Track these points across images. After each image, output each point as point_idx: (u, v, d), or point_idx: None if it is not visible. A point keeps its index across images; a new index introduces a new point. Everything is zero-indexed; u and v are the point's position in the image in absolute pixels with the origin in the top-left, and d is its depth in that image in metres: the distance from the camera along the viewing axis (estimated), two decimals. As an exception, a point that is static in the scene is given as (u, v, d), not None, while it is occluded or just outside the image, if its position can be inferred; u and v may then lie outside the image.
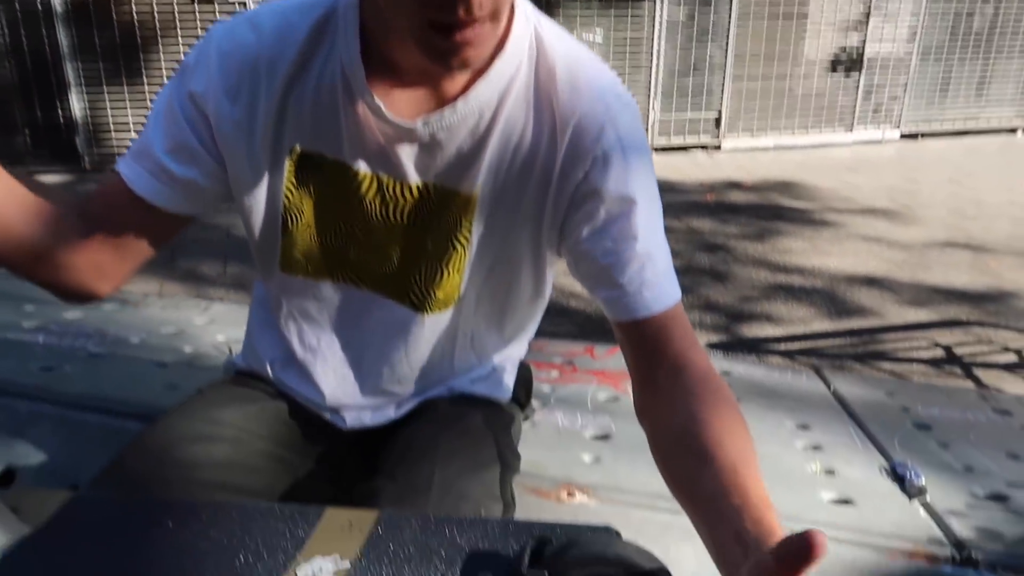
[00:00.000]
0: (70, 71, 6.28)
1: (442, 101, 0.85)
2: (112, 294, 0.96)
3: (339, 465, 1.05)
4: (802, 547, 0.53)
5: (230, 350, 1.52)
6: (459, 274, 0.94)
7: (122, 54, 6.35)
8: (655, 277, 0.86)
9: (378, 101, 0.83)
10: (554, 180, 0.87)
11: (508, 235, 0.92)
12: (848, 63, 8.05)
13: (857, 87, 8.09)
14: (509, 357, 1.11)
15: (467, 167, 0.87)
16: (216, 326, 1.77)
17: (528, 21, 0.86)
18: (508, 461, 0.96)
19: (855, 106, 8.14)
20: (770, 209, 4.85)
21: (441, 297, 0.95)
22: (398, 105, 0.84)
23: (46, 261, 0.85)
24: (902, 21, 8.08)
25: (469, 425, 0.99)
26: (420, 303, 0.96)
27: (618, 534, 0.71)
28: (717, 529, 0.67)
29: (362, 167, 0.88)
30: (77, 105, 6.36)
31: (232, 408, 1.00)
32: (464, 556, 0.71)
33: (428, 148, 0.86)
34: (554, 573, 0.65)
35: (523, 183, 0.88)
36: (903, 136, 8.36)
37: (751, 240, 4.38)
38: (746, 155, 7.28)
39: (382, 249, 0.93)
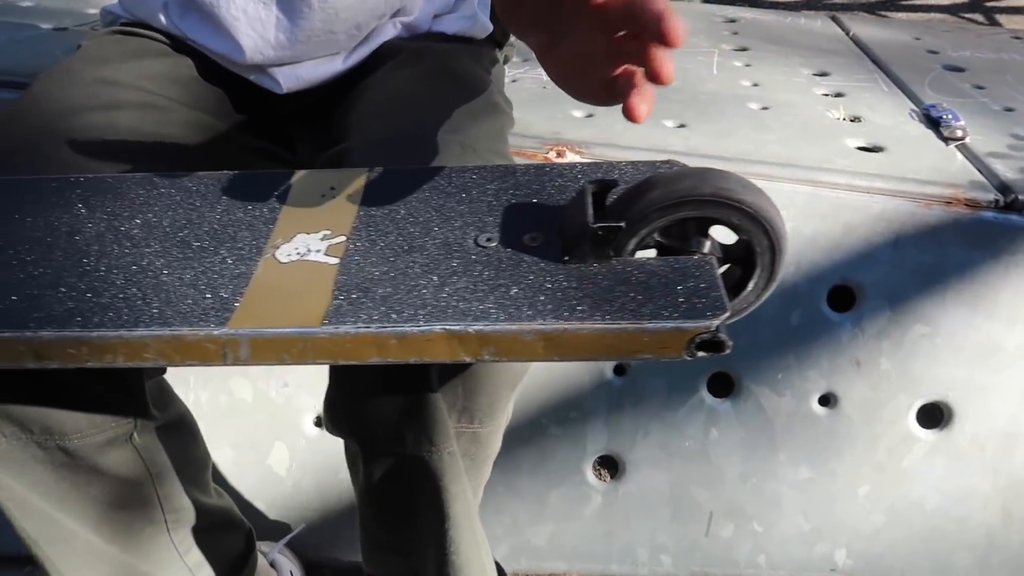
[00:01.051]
0: None
1: None
2: None
3: (285, 141, 0.85)
4: None
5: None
6: None
7: None
8: None
9: None
10: None
11: None
12: None
13: None
14: None
15: None
16: (127, -15, 1.47)
17: None
18: (504, 110, 0.77)
19: None
20: None
21: None
22: None
23: None
24: None
25: (453, 64, 0.78)
26: None
27: (683, 166, 0.54)
28: None
29: None
30: None
31: (131, 66, 0.77)
32: (500, 212, 0.53)
33: None
34: (633, 223, 0.48)
35: None
36: None
37: None
38: None
39: None
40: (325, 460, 1.04)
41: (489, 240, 0.51)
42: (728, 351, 0.45)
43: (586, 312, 0.46)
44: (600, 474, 1.05)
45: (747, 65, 1.34)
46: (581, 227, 0.48)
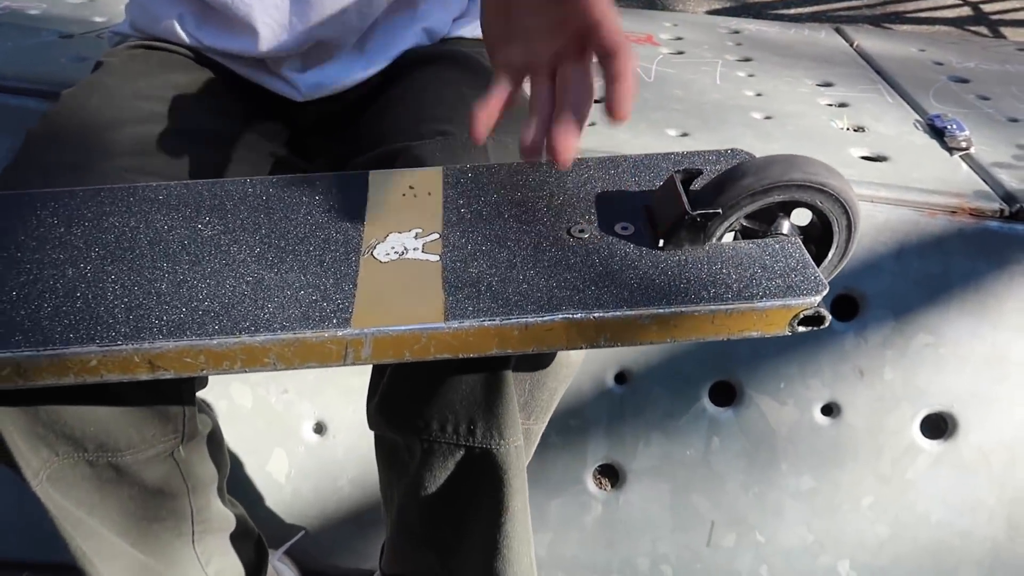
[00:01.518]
0: None
1: None
2: None
3: (302, 151, 0.84)
4: None
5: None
6: None
7: None
8: None
9: None
10: None
11: None
12: None
13: None
14: None
15: None
16: (134, -7, 1.48)
17: None
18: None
19: None
20: None
21: None
22: None
23: None
24: None
25: (485, 64, 0.78)
26: None
27: (749, 155, 0.57)
28: None
29: None
30: None
31: (161, 80, 0.77)
32: (584, 204, 0.55)
33: None
34: (727, 209, 0.51)
35: None
36: None
37: None
38: None
39: None
40: (324, 467, 1.03)
41: (582, 231, 0.53)
42: (827, 324, 0.48)
43: (694, 295, 0.48)
44: (601, 483, 1.04)
45: (751, 75, 1.34)
46: (678, 215, 0.50)
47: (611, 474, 1.04)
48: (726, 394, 1.01)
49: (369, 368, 1.04)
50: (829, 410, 1.00)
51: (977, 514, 1.00)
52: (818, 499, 1.00)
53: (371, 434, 1.03)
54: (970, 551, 1.01)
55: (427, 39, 0.82)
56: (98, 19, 1.34)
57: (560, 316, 0.47)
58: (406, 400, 0.62)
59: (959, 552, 1.01)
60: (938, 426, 0.99)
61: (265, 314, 0.48)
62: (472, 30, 0.85)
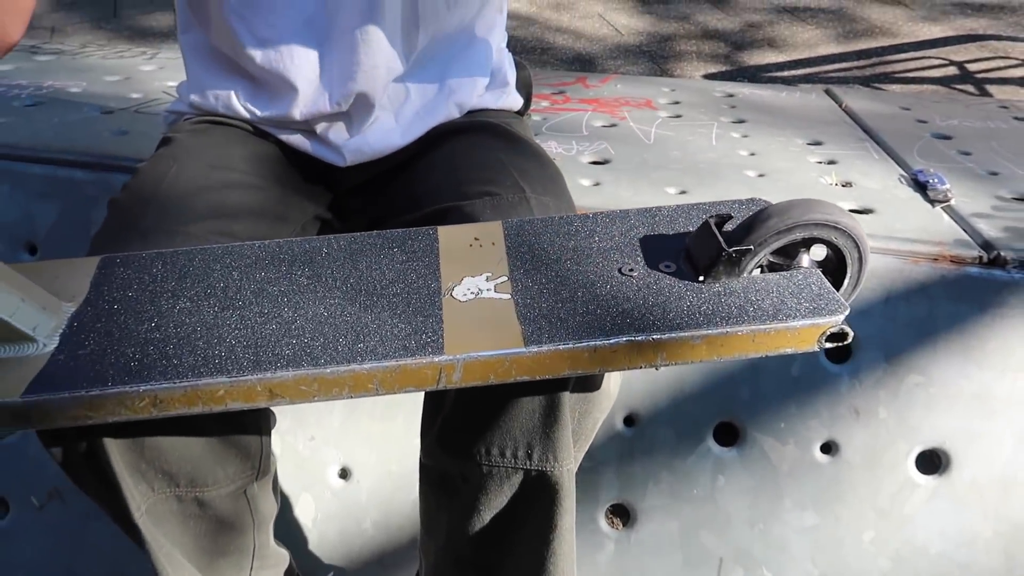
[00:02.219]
0: None
1: None
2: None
3: (339, 212, 0.92)
4: None
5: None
6: None
7: None
8: None
9: None
10: None
11: None
12: None
13: None
14: (501, 49, 0.96)
15: None
16: (165, 72, 1.59)
17: None
18: (561, 174, 0.87)
19: None
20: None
21: None
22: None
23: None
24: None
25: (513, 131, 0.87)
26: None
27: (767, 202, 0.65)
28: None
29: None
30: None
31: (227, 151, 0.84)
32: (629, 248, 0.64)
33: None
34: (757, 246, 0.59)
35: None
36: None
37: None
38: None
39: None
40: (348, 510, 1.08)
41: (631, 270, 0.62)
42: (850, 340, 0.56)
43: (735, 318, 0.56)
44: (613, 522, 1.09)
45: (744, 136, 1.42)
46: (715, 253, 0.59)
47: (622, 513, 1.09)
48: (730, 435, 1.07)
49: (391, 414, 1.10)
50: (828, 448, 1.05)
51: (975, 546, 1.04)
52: (821, 534, 1.05)
53: (393, 478, 1.08)
54: (970, 584, 1.04)
55: (458, 112, 0.90)
56: (134, 95, 1.44)
57: (624, 339, 0.55)
58: (467, 429, 0.67)
59: (959, 585, 1.04)
60: (932, 462, 1.04)
61: (368, 347, 0.56)
62: (495, 101, 0.94)
